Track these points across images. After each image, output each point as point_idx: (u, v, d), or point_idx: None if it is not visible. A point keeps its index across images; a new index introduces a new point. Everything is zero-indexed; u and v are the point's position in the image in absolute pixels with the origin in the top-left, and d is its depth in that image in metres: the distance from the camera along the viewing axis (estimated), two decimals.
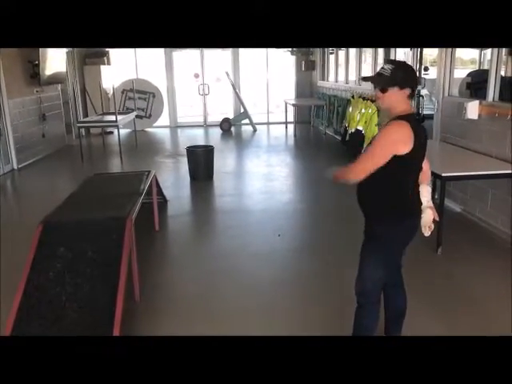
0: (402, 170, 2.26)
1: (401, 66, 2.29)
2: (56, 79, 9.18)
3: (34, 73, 8.33)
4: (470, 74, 6.25)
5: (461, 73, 6.31)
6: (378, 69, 2.31)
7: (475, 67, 7.12)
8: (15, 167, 7.82)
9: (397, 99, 2.25)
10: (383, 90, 2.25)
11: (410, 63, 6.45)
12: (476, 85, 5.46)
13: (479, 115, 4.71)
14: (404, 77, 2.24)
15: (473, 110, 4.72)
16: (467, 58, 7.85)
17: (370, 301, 2.45)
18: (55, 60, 8.91)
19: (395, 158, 2.18)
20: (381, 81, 2.26)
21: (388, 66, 2.25)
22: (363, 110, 7.84)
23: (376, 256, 2.40)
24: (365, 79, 2.44)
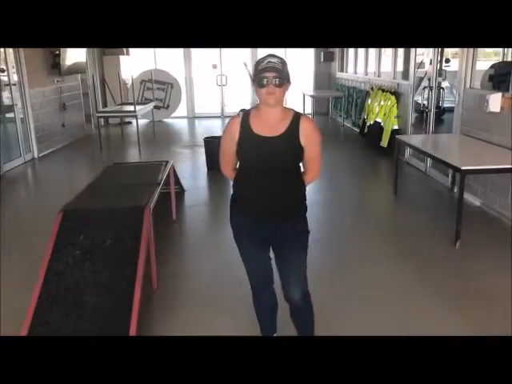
0: None
1: (283, 60, 2.11)
2: (76, 69, 9.28)
3: (54, 63, 8.42)
4: (493, 66, 6.12)
5: (483, 65, 6.20)
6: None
7: (498, 59, 6.98)
8: (36, 156, 7.94)
9: (284, 94, 2.13)
10: (281, 85, 2.07)
11: (431, 55, 6.36)
12: (499, 77, 5.35)
13: (501, 108, 4.63)
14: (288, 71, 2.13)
15: (495, 102, 4.64)
16: (490, 50, 7.69)
17: (309, 293, 2.46)
18: (75, 50, 8.98)
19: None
20: (283, 74, 2.07)
21: (276, 60, 2.08)
22: (382, 102, 7.76)
23: (305, 252, 2.39)
24: (269, 69, 2.05)
